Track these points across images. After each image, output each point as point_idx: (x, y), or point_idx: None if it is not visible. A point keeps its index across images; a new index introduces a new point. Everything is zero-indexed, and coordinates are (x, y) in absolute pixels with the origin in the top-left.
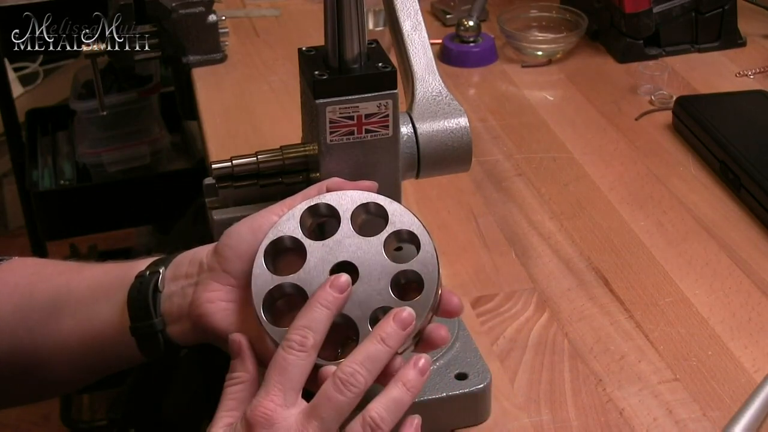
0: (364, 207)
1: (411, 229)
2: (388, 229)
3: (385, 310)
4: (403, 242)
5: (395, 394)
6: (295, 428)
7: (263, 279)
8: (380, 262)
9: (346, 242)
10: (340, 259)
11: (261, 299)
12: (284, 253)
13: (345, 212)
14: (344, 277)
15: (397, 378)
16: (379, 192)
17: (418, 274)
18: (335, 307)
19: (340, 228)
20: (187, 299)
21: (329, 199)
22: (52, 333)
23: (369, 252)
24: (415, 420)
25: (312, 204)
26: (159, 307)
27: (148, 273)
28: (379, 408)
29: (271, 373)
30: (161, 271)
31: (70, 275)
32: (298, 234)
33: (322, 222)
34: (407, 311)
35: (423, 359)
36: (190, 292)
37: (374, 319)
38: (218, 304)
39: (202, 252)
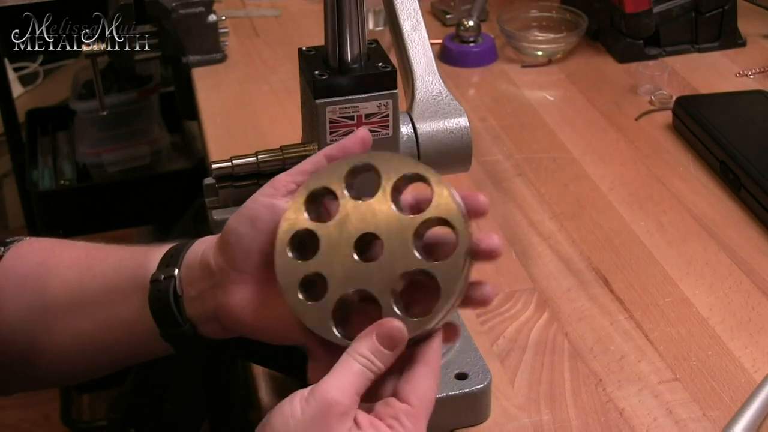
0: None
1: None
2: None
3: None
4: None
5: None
6: None
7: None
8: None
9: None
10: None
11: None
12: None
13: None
14: None
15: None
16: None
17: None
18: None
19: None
20: (207, 303)
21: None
22: (71, 331)
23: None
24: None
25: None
26: (184, 312)
27: (162, 277)
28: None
29: None
30: (175, 275)
31: (79, 270)
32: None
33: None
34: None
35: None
36: (210, 296)
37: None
38: (246, 307)
39: (208, 253)
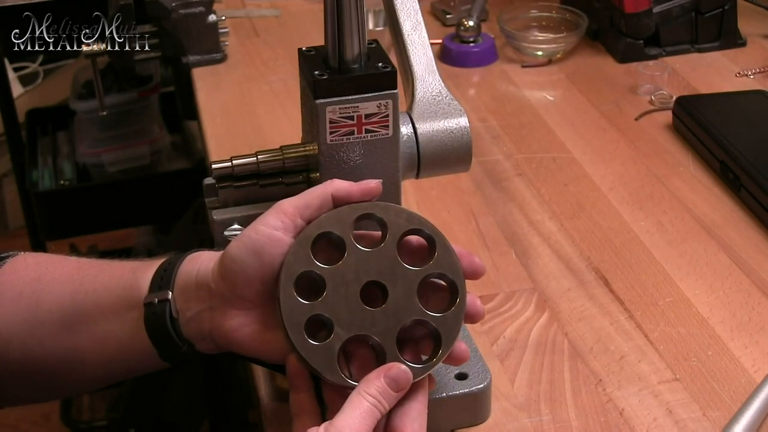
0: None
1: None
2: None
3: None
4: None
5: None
6: None
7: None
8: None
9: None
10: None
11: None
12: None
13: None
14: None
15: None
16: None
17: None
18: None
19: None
20: (203, 324)
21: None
22: (66, 347)
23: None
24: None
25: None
26: (181, 333)
27: (156, 301)
28: None
29: None
30: (169, 298)
31: (72, 286)
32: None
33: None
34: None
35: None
36: (206, 317)
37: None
38: (242, 331)
39: (205, 275)
